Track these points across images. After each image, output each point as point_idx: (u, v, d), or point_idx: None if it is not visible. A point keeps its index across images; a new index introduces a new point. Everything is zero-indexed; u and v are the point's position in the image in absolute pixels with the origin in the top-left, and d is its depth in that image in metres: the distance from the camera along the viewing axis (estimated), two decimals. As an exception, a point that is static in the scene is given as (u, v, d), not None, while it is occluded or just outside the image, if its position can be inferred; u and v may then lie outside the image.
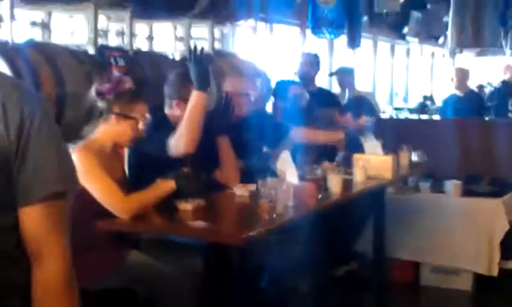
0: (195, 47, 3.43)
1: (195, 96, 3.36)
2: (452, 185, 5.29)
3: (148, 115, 3.18)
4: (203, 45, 4.55)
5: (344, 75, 6.81)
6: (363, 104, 5.49)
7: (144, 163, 3.39)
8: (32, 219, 1.35)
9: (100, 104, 3.08)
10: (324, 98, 5.71)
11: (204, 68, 3.40)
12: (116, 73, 3.15)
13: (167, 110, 3.68)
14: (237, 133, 4.01)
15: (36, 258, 1.36)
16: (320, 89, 6.09)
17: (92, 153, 2.98)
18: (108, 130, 3.09)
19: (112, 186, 2.95)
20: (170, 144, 3.37)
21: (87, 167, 2.91)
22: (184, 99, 3.54)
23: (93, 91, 3.11)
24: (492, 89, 9.10)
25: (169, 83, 3.71)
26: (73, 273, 1.41)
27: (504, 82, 8.33)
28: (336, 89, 7.25)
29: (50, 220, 1.36)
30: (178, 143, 3.33)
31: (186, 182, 3.02)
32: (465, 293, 5.02)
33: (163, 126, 3.49)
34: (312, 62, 5.92)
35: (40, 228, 1.35)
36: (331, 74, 7.42)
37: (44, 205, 1.34)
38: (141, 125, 3.13)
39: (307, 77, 5.80)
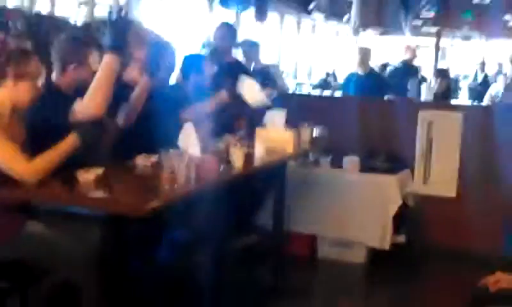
0: (120, 9, 3.40)
1: (108, 58, 3.30)
2: (350, 161, 5.45)
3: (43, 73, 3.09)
4: (107, 10, 4.46)
5: (250, 48, 6.82)
6: (267, 76, 5.51)
7: (40, 131, 3.29)
8: None
9: None
10: (237, 70, 5.68)
11: (122, 31, 3.37)
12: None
13: (56, 76, 3.55)
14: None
15: None
16: (237, 62, 6.06)
17: None
18: (4, 94, 2.97)
19: (14, 151, 2.85)
20: (76, 109, 3.29)
21: None
22: (80, 63, 3.46)
23: None
24: (392, 68, 9.37)
25: (64, 46, 3.54)
26: None
27: (404, 62, 8.59)
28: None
29: None
30: (89, 104, 3.26)
31: (89, 132, 2.98)
32: (359, 265, 5.21)
33: (53, 93, 3.39)
34: (229, 34, 5.88)
35: None
36: (236, 46, 7.42)
37: None
38: (39, 83, 3.03)
39: (224, 49, 5.75)
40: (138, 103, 3.94)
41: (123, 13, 3.38)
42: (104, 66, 3.30)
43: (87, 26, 5.68)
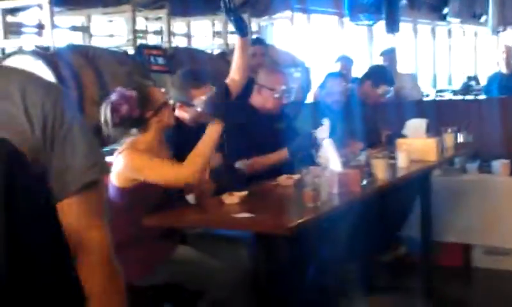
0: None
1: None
2: (499, 165, 5.21)
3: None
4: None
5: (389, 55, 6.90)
6: (381, 73, 5.40)
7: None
8: (69, 212, 1.35)
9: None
10: None
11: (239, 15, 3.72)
12: (121, 91, 3.04)
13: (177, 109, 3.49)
14: (275, 124, 4.05)
15: (78, 250, 1.37)
16: None
17: (141, 150, 3.02)
18: (149, 133, 3.10)
19: (167, 163, 3.00)
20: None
21: (139, 161, 2.95)
22: (185, 103, 3.43)
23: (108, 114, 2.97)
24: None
25: (174, 85, 3.53)
26: (114, 260, 1.42)
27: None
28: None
29: (87, 210, 1.37)
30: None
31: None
32: (518, 273, 4.94)
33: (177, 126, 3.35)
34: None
35: (78, 221, 1.36)
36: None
37: (79, 197, 1.35)
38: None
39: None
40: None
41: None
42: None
43: (223, 54, 5.87)
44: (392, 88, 5.18)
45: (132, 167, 2.96)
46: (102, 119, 2.95)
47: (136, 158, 2.97)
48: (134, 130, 3.06)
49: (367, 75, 5.30)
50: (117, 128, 2.98)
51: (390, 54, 7.02)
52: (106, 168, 1.46)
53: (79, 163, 1.35)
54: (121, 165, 2.97)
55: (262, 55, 5.17)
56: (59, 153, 1.32)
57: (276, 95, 4.04)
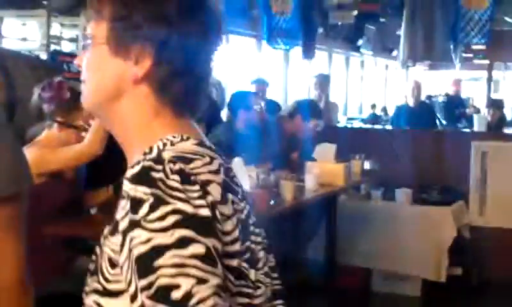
0: None
1: None
2: (402, 193, 5.39)
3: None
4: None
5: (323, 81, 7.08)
6: (314, 108, 5.51)
7: None
8: None
9: (45, 109, 3.03)
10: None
11: None
12: (56, 79, 3.05)
13: None
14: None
15: None
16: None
17: (41, 145, 2.97)
18: (52, 137, 3.04)
19: (68, 148, 2.96)
20: None
21: (39, 153, 2.89)
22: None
23: (35, 96, 3.05)
24: (438, 100, 9.29)
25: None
26: (26, 275, 1.40)
27: (448, 96, 8.51)
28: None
29: (2, 223, 1.33)
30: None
31: None
32: (414, 299, 5.11)
33: None
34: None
35: None
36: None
37: None
38: (84, 134, 3.06)
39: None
40: None
41: None
42: None
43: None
44: (322, 121, 5.22)
45: (33, 160, 2.88)
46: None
47: (35, 151, 2.90)
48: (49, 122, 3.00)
49: (297, 110, 5.29)
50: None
51: (322, 79, 7.17)
52: (29, 179, 1.40)
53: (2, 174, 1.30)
54: None
55: None
56: None
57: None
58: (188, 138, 1.03)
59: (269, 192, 3.65)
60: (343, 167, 4.42)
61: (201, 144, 1.04)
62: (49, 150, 2.93)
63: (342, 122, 10.14)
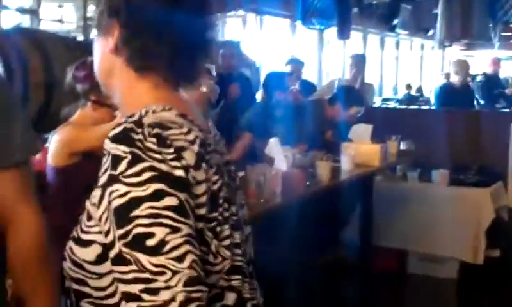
0: None
1: None
2: (439, 175, 5.33)
3: None
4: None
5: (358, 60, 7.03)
6: (352, 94, 5.46)
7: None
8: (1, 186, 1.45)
9: (78, 88, 3.04)
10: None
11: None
12: (90, 58, 3.04)
13: None
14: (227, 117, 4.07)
15: (8, 224, 1.45)
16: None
17: (74, 124, 2.98)
18: (86, 116, 3.05)
19: (100, 127, 2.92)
20: None
21: (73, 131, 2.91)
22: None
23: (69, 76, 3.05)
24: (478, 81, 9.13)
25: None
26: (46, 236, 1.49)
27: (486, 75, 8.32)
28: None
29: (17, 186, 1.47)
30: None
31: None
32: (451, 281, 5.07)
33: None
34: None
35: (7, 194, 1.45)
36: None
37: (10, 173, 1.45)
38: (117, 113, 3.06)
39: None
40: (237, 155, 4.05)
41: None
42: None
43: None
44: (363, 108, 5.15)
45: (66, 139, 2.90)
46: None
47: (69, 130, 2.92)
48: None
49: (337, 97, 5.22)
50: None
51: (359, 60, 7.10)
52: (35, 149, 1.62)
53: (12, 142, 1.46)
54: (56, 142, 2.91)
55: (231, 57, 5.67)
56: None
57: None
58: (170, 109, 1.10)
59: (305, 173, 3.64)
60: (379, 148, 4.39)
61: (182, 116, 1.10)
62: (82, 129, 2.94)
63: (376, 103, 10.06)
